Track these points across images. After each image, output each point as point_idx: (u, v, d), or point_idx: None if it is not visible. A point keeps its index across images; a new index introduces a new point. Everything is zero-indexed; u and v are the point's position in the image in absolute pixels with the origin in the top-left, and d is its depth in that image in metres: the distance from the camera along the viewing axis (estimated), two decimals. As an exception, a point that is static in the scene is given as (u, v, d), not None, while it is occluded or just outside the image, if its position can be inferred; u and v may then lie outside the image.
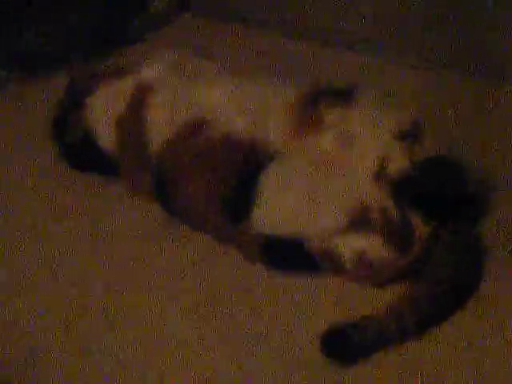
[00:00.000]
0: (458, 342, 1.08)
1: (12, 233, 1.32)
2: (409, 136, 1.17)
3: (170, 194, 1.27)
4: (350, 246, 1.13)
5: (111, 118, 1.35)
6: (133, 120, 1.32)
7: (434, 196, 1.14)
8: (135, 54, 1.72)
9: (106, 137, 1.36)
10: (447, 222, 1.14)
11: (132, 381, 1.06)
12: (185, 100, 1.28)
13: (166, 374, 1.06)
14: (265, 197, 1.16)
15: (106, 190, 1.38)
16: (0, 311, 1.18)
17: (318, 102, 1.21)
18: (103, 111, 1.37)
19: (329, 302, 1.15)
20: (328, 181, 1.14)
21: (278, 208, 1.16)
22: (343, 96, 1.22)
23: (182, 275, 1.21)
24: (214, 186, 1.21)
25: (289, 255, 1.18)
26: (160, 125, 1.28)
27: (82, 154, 1.41)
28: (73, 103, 1.42)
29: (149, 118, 1.30)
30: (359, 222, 1.12)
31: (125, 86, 1.35)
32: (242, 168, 1.19)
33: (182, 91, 1.30)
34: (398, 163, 1.14)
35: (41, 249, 1.28)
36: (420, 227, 1.13)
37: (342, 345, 1.07)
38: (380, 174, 1.13)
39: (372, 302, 1.12)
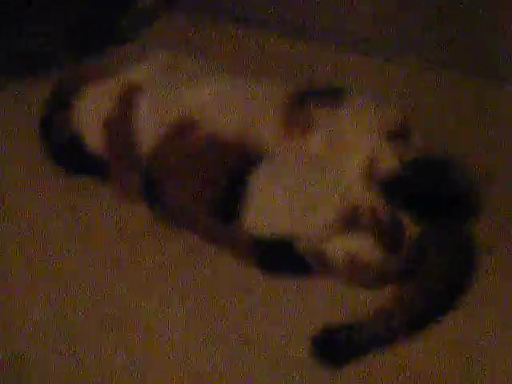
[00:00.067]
0: (450, 342, 1.08)
1: (2, 232, 1.32)
2: (398, 136, 1.16)
3: (159, 195, 1.27)
4: (341, 246, 1.13)
5: (99, 118, 1.35)
6: (121, 121, 1.32)
7: (424, 196, 1.13)
8: (125, 54, 1.71)
9: (94, 138, 1.35)
10: (438, 221, 1.14)
11: (121, 380, 1.06)
12: (173, 100, 1.28)
13: (158, 374, 1.06)
14: (254, 197, 1.15)
15: (95, 190, 1.38)
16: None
17: (308, 102, 1.20)
18: (90, 112, 1.36)
19: (321, 302, 1.15)
20: (318, 181, 1.14)
21: (267, 209, 1.15)
22: (333, 96, 1.22)
23: (173, 275, 1.21)
24: (203, 186, 1.20)
25: (279, 256, 1.17)
26: (149, 125, 1.28)
27: (69, 154, 1.41)
28: (59, 104, 1.41)
29: (137, 119, 1.29)
30: (349, 222, 1.12)
31: (112, 87, 1.35)
32: (231, 168, 1.18)
33: (170, 91, 1.30)
34: (388, 163, 1.14)
35: (30, 249, 1.28)
36: (410, 227, 1.12)
37: (333, 346, 1.06)
38: (369, 174, 1.13)
39: (364, 303, 1.11)
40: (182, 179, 1.23)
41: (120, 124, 1.32)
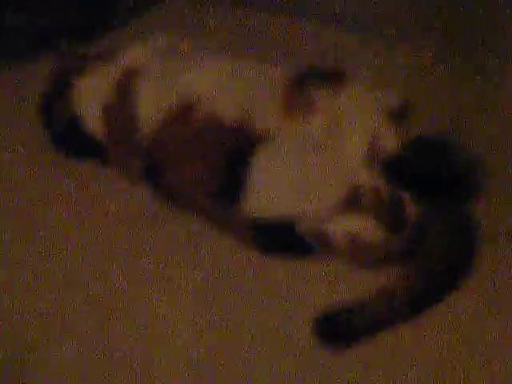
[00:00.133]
0: (451, 322, 1.08)
1: (4, 219, 1.31)
2: (398, 117, 1.16)
3: (159, 178, 1.27)
4: (342, 227, 1.13)
5: (98, 103, 1.34)
6: (120, 105, 1.31)
7: (424, 176, 1.13)
8: (123, 38, 1.70)
9: (94, 123, 1.35)
10: (438, 201, 1.14)
11: (125, 368, 1.05)
12: (173, 83, 1.27)
13: (157, 359, 1.06)
14: (255, 180, 1.15)
15: (95, 174, 1.38)
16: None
17: (308, 83, 1.20)
18: (90, 97, 1.35)
19: (323, 284, 1.15)
20: (318, 162, 1.14)
21: (268, 191, 1.15)
22: (333, 77, 1.21)
23: (173, 259, 1.20)
24: (203, 168, 1.20)
25: (280, 238, 1.17)
26: (148, 109, 1.27)
27: (69, 140, 1.40)
28: (58, 90, 1.41)
29: (137, 103, 1.29)
30: (351, 203, 1.11)
31: (111, 71, 1.34)
32: (231, 151, 1.18)
33: (169, 75, 1.29)
34: (388, 144, 1.13)
35: (30, 235, 1.27)
36: (411, 207, 1.12)
37: (335, 329, 1.06)
38: (370, 155, 1.13)
39: (366, 284, 1.11)
40: (182, 162, 1.23)
41: (119, 109, 1.31)
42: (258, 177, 1.15)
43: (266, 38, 1.74)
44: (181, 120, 1.23)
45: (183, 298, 1.14)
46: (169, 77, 1.28)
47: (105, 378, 1.03)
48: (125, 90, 1.31)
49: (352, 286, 1.13)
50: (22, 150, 1.45)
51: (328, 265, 1.16)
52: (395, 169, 1.12)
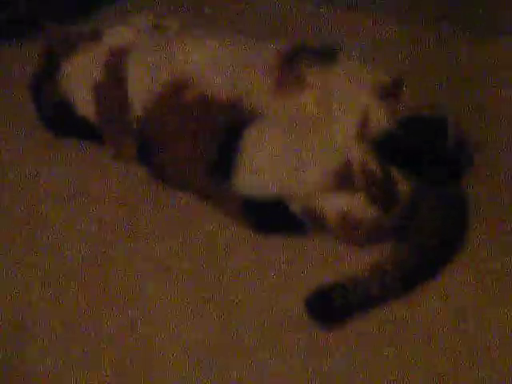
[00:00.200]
0: (444, 298, 1.08)
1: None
2: (390, 95, 1.15)
3: (153, 157, 1.27)
4: (333, 204, 1.13)
5: (88, 84, 1.33)
6: (111, 85, 1.31)
7: (417, 154, 1.13)
8: (109, 17, 1.69)
9: (84, 103, 1.34)
10: (430, 178, 1.13)
11: (117, 350, 1.05)
12: (164, 61, 1.26)
13: (151, 339, 1.06)
14: (246, 157, 1.15)
15: (86, 155, 1.38)
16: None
17: (300, 60, 1.19)
18: (79, 78, 1.35)
19: (316, 261, 1.15)
20: (310, 140, 1.13)
21: (259, 168, 1.15)
22: (326, 55, 1.21)
23: (165, 238, 1.21)
24: (196, 146, 1.20)
25: (272, 215, 1.17)
26: (140, 88, 1.27)
27: (60, 121, 1.40)
28: (46, 71, 1.40)
29: (129, 82, 1.28)
30: (342, 180, 1.11)
31: (100, 50, 1.33)
32: (223, 128, 1.18)
33: (160, 53, 1.28)
34: (380, 121, 1.13)
35: (26, 217, 1.27)
36: (403, 185, 1.12)
37: (327, 306, 1.06)
38: (362, 133, 1.12)
39: (359, 261, 1.11)
40: (174, 140, 1.23)
41: (110, 88, 1.31)
42: (249, 154, 1.15)
43: (257, 16, 1.73)
44: (173, 97, 1.23)
45: (177, 280, 1.14)
46: (159, 55, 1.28)
47: (100, 363, 1.04)
48: (115, 69, 1.30)
49: (345, 263, 1.13)
50: (19, 128, 1.45)
51: (320, 242, 1.16)
52: (387, 147, 1.12)
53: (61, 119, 1.39)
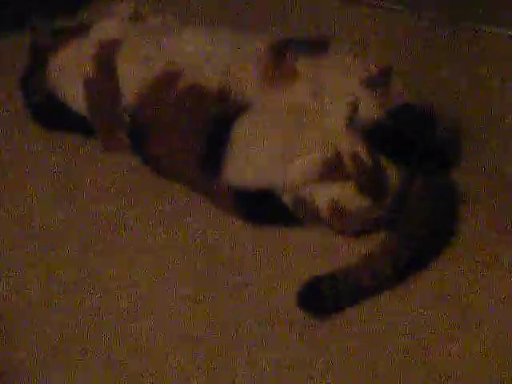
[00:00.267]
0: (431, 290, 1.08)
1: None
2: (379, 84, 1.16)
3: (146, 149, 1.27)
4: (325, 195, 1.12)
5: (78, 77, 1.33)
6: (102, 77, 1.30)
7: (406, 143, 1.13)
8: (100, 10, 1.67)
9: (75, 97, 1.34)
10: (421, 168, 1.13)
11: (108, 342, 1.05)
12: (156, 53, 1.26)
13: (142, 328, 1.05)
14: (236, 148, 1.15)
15: (80, 147, 1.37)
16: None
17: (291, 51, 1.19)
18: (68, 72, 1.34)
19: (309, 252, 1.15)
20: (300, 130, 1.13)
21: (249, 160, 1.15)
22: (316, 46, 1.21)
23: (157, 230, 1.20)
24: (187, 137, 1.20)
25: (264, 207, 1.17)
26: (131, 80, 1.26)
27: (49, 115, 1.39)
28: (34, 66, 1.40)
29: (119, 74, 1.28)
30: (332, 170, 1.11)
31: (89, 44, 1.33)
32: (213, 119, 1.18)
33: (152, 44, 1.28)
34: (369, 111, 1.13)
35: (17, 208, 1.27)
36: (393, 175, 1.12)
37: (318, 298, 1.06)
38: (352, 122, 1.12)
39: (350, 252, 1.12)
40: (165, 131, 1.23)
41: (101, 81, 1.31)
42: (239, 145, 1.15)
43: (248, 6, 1.73)
44: (164, 89, 1.23)
45: (170, 272, 1.14)
46: (150, 46, 1.28)
47: (89, 349, 1.03)
48: (105, 62, 1.30)
49: (338, 253, 1.13)
50: (8, 121, 1.44)
51: (313, 233, 1.16)
52: (377, 136, 1.12)
53: (50, 113, 1.38)
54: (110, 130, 1.33)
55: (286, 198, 1.15)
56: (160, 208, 1.24)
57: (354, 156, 1.10)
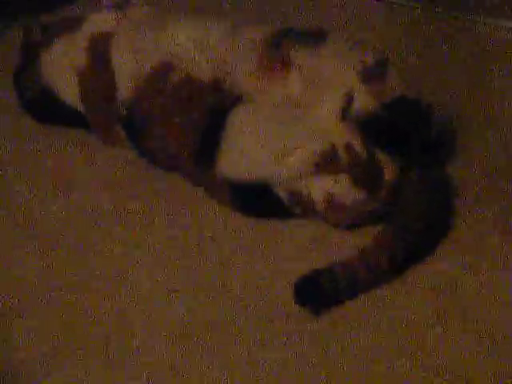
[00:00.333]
0: (430, 286, 1.08)
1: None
2: (375, 76, 1.15)
3: (143, 141, 1.26)
4: (320, 187, 1.12)
5: (72, 71, 1.33)
6: (97, 70, 1.30)
7: (402, 136, 1.12)
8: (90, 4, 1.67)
9: (69, 91, 1.34)
10: (416, 162, 1.13)
11: (103, 336, 1.04)
12: (150, 44, 1.26)
13: (140, 327, 1.05)
14: (230, 140, 1.14)
15: (71, 141, 1.37)
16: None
17: (286, 42, 1.19)
18: (62, 66, 1.34)
19: (305, 246, 1.14)
20: (295, 122, 1.13)
21: (244, 152, 1.14)
22: (312, 37, 1.20)
23: (151, 224, 1.20)
24: (183, 130, 1.20)
25: (259, 200, 1.16)
26: (127, 72, 1.26)
27: (44, 109, 1.39)
28: (27, 61, 1.40)
29: (114, 66, 1.28)
30: (327, 163, 1.10)
31: (81, 36, 1.33)
32: (209, 111, 1.18)
33: (146, 36, 1.28)
34: (365, 104, 1.12)
35: (12, 201, 1.27)
36: (389, 168, 1.11)
37: (315, 292, 1.05)
38: (347, 114, 1.11)
39: (349, 246, 1.11)
40: (162, 123, 1.22)
41: (95, 74, 1.31)
42: (233, 137, 1.14)
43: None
44: (159, 81, 1.22)
45: (165, 266, 1.13)
46: (144, 38, 1.27)
47: (88, 349, 1.03)
48: (99, 54, 1.30)
49: (334, 247, 1.12)
50: (3, 114, 1.45)
51: (309, 227, 1.16)
52: (372, 129, 1.11)
53: (44, 108, 1.39)
54: (105, 123, 1.32)
55: (281, 191, 1.14)
56: (156, 202, 1.24)
57: (349, 148, 1.10)
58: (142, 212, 1.22)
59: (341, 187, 1.10)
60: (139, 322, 1.05)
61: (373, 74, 1.15)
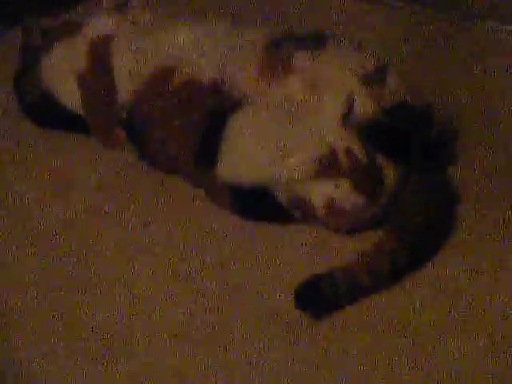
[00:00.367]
0: (430, 287, 1.08)
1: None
2: (375, 81, 1.15)
3: (144, 143, 1.26)
4: (319, 192, 1.12)
5: (72, 74, 1.33)
6: (97, 73, 1.30)
7: (402, 141, 1.12)
8: (89, 8, 1.67)
9: (69, 95, 1.34)
10: (416, 166, 1.13)
11: (102, 338, 1.04)
12: (151, 47, 1.26)
13: (140, 328, 1.05)
14: (230, 143, 1.14)
15: (71, 144, 1.37)
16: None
17: (287, 45, 1.19)
18: (62, 69, 1.34)
19: (305, 251, 1.14)
20: (295, 126, 1.12)
21: (243, 155, 1.14)
22: (312, 40, 1.20)
23: (152, 227, 1.20)
24: (183, 132, 1.20)
25: (259, 204, 1.16)
26: (128, 75, 1.26)
27: (44, 113, 1.39)
28: (25, 65, 1.40)
29: (115, 69, 1.28)
30: (327, 167, 1.10)
31: (81, 40, 1.32)
32: (209, 114, 1.17)
33: (147, 38, 1.28)
34: (366, 108, 1.12)
35: (10, 204, 1.26)
36: (389, 173, 1.11)
37: (315, 297, 1.05)
38: (347, 119, 1.11)
39: (350, 250, 1.10)
40: (163, 126, 1.22)
41: (96, 78, 1.31)
42: (233, 140, 1.14)
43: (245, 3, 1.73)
44: (159, 84, 1.22)
45: (163, 269, 1.13)
46: (145, 40, 1.27)
47: (88, 350, 1.03)
48: (99, 58, 1.30)
49: (334, 252, 1.12)
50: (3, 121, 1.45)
51: (309, 231, 1.16)
52: (372, 133, 1.11)
53: (45, 112, 1.38)
54: (105, 126, 1.32)
55: (281, 195, 1.14)
56: (156, 206, 1.24)
57: (349, 153, 1.09)
58: (141, 213, 1.22)
59: (341, 192, 1.10)
60: (139, 323, 1.05)
61: (373, 79, 1.14)
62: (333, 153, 1.10)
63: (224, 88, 1.18)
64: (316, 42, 1.20)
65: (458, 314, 1.04)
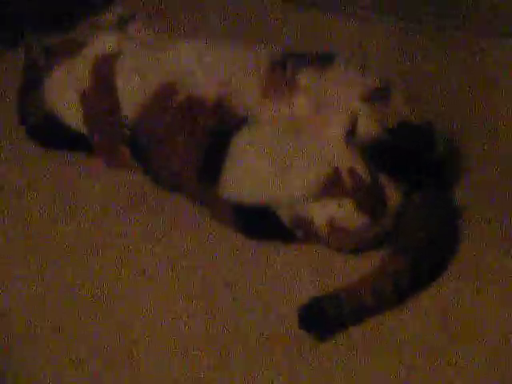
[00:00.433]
0: (435, 306, 1.07)
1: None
2: (379, 100, 1.15)
3: (147, 161, 1.27)
4: (322, 212, 1.11)
5: (75, 94, 1.33)
6: (100, 92, 1.31)
7: (405, 160, 1.12)
8: (92, 28, 1.68)
9: (73, 114, 1.34)
10: (420, 186, 1.12)
11: (104, 355, 1.04)
12: (154, 65, 1.26)
13: (141, 341, 1.05)
14: (233, 162, 1.14)
15: (79, 163, 1.38)
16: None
17: (292, 64, 1.19)
18: (65, 89, 1.34)
19: (308, 270, 1.14)
20: (299, 145, 1.12)
21: (246, 174, 1.14)
22: (316, 60, 1.20)
23: (153, 246, 1.20)
24: (186, 150, 1.20)
25: (262, 222, 1.16)
26: (131, 93, 1.27)
27: (47, 133, 1.39)
28: (28, 86, 1.40)
29: (118, 88, 1.28)
30: (331, 187, 1.10)
31: (84, 59, 1.33)
32: (212, 132, 1.18)
33: (149, 57, 1.28)
34: (370, 127, 1.12)
35: (15, 224, 1.26)
36: (392, 192, 1.11)
37: (319, 318, 1.04)
38: (351, 138, 1.11)
39: (353, 270, 1.10)
40: (166, 144, 1.22)
41: (99, 96, 1.31)
42: (236, 159, 1.14)
43: (249, 19, 1.74)
44: (162, 102, 1.23)
45: (165, 287, 1.13)
46: (148, 59, 1.28)
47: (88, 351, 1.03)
48: (103, 77, 1.30)
49: (337, 272, 1.12)
50: (6, 138, 1.45)
51: (312, 251, 1.15)
52: (376, 153, 1.11)
53: (48, 134, 1.39)
54: (109, 145, 1.33)
55: (284, 215, 1.14)
56: (157, 224, 1.24)
57: (353, 172, 1.09)
58: (143, 232, 1.22)
59: (344, 211, 1.10)
60: (140, 337, 1.05)
61: (377, 99, 1.15)
62: (336, 172, 1.10)
63: (228, 105, 1.18)
64: (321, 60, 1.20)
65: (463, 334, 1.03)
